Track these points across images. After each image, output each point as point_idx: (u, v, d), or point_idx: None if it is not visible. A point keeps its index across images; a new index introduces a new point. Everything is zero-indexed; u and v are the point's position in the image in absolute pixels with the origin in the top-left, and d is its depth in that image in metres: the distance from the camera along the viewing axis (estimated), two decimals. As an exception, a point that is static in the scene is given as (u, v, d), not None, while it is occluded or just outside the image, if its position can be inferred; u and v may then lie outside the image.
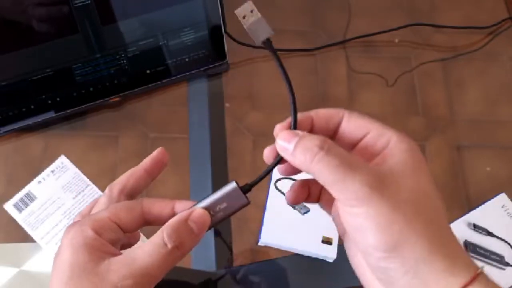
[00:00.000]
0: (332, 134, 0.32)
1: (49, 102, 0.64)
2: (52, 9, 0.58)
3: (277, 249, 0.61)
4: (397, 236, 0.27)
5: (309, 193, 0.34)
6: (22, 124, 0.65)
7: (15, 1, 0.56)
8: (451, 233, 0.29)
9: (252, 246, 0.61)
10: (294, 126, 0.33)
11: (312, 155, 0.28)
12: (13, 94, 0.62)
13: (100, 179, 0.63)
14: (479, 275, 0.27)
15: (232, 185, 0.34)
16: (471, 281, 0.27)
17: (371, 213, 0.27)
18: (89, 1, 0.58)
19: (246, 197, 0.34)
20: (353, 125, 0.31)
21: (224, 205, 0.34)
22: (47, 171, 0.63)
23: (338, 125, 0.32)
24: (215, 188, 0.63)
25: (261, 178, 0.33)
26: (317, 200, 0.34)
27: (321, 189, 0.34)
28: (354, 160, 0.28)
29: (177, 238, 0.31)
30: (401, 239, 0.27)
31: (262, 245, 0.61)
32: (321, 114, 0.32)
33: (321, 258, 0.61)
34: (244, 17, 0.32)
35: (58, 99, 0.65)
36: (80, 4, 0.58)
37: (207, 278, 0.59)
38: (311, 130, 0.32)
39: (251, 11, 0.32)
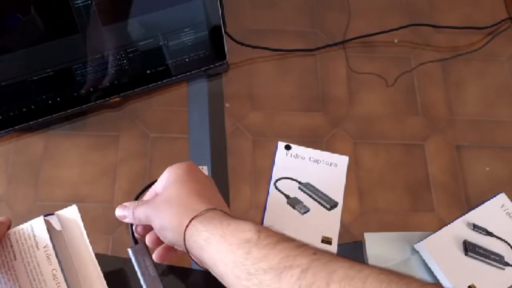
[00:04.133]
0: None
1: (50, 102, 0.65)
2: (52, 9, 0.58)
3: (277, 249, 0.61)
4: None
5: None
6: (23, 124, 0.65)
7: (16, 1, 0.56)
8: (218, 196, 0.52)
9: (252, 245, 0.61)
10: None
11: (133, 210, 0.52)
12: (14, 94, 0.62)
13: (100, 179, 0.64)
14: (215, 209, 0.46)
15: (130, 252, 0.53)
16: (206, 210, 0.45)
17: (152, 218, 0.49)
18: (90, 2, 0.59)
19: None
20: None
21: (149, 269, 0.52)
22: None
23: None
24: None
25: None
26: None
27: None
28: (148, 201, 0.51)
29: None
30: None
31: (262, 244, 0.61)
32: None
33: (321, 257, 0.61)
34: None
35: (58, 99, 0.65)
36: (80, 4, 0.58)
37: (207, 278, 0.59)
38: None
39: None
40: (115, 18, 0.61)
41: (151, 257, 0.53)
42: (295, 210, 0.63)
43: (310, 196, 0.64)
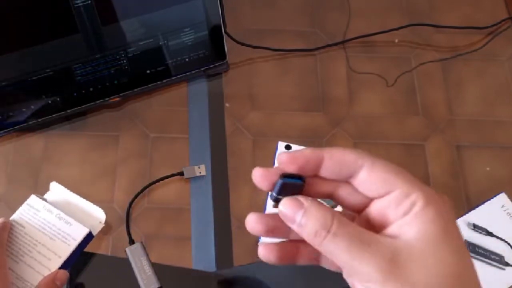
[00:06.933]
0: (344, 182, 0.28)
1: (49, 102, 0.65)
2: (52, 9, 0.58)
3: (277, 249, 0.61)
4: None
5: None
6: (23, 124, 0.65)
7: (15, 0, 0.56)
8: None
9: (252, 246, 0.61)
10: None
11: (320, 238, 0.26)
12: (14, 94, 0.62)
13: (100, 179, 0.64)
14: None
15: None
16: None
17: None
18: (90, 1, 0.58)
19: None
20: (374, 179, 0.26)
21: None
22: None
23: (355, 174, 0.27)
24: (214, 188, 0.64)
25: None
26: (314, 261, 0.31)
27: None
28: (365, 238, 0.25)
29: None
30: None
31: (262, 245, 0.61)
32: (335, 157, 0.27)
33: (321, 257, 0.61)
34: None
35: (58, 99, 0.65)
36: (80, 4, 0.58)
37: (207, 278, 0.59)
38: (318, 172, 0.28)
39: None
40: (115, 17, 0.61)
41: (148, 257, 0.55)
42: (295, 210, 0.63)
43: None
